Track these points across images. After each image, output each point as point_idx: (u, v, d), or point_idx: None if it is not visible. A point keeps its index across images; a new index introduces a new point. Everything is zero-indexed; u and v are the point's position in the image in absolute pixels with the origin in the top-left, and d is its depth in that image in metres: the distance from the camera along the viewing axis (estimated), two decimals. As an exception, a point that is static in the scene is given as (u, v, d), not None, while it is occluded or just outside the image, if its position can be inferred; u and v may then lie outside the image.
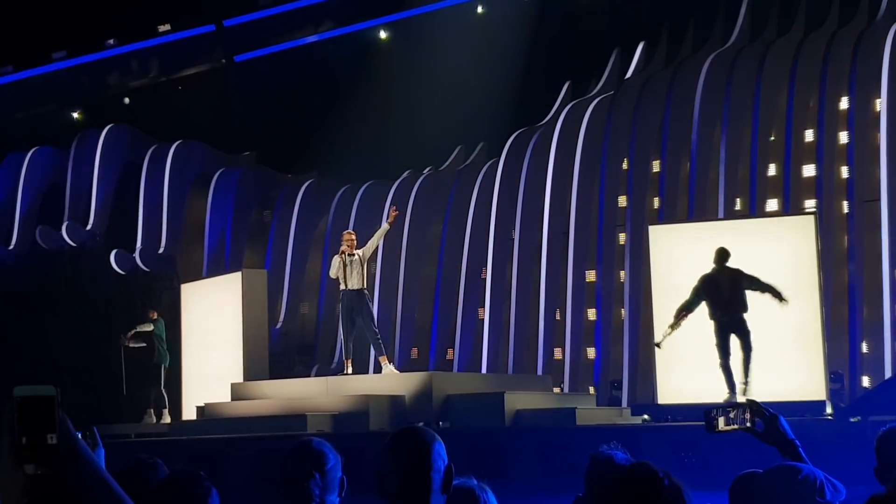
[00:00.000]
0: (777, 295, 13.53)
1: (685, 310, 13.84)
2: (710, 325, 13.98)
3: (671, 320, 13.98)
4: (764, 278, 13.69)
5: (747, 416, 3.81)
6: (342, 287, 14.84)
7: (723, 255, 13.90)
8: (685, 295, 14.05)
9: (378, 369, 16.25)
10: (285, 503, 3.80)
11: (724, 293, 13.67)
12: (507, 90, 23.14)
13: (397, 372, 15.44)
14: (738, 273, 13.76)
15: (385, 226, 15.27)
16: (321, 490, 3.75)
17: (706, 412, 3.89)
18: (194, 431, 15.41)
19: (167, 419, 18.50)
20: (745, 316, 13.70)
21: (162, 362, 19.12)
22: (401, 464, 3.14)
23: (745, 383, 13.59)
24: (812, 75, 19.90)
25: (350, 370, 15.26)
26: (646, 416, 15.28)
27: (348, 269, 14.72)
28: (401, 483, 3.13)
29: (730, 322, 13.70)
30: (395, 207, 16.16)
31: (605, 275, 20.97)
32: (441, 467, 3.15)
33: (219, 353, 18.26)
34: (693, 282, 13.99)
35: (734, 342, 13.74)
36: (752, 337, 13.69)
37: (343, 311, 15.00)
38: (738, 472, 4.34)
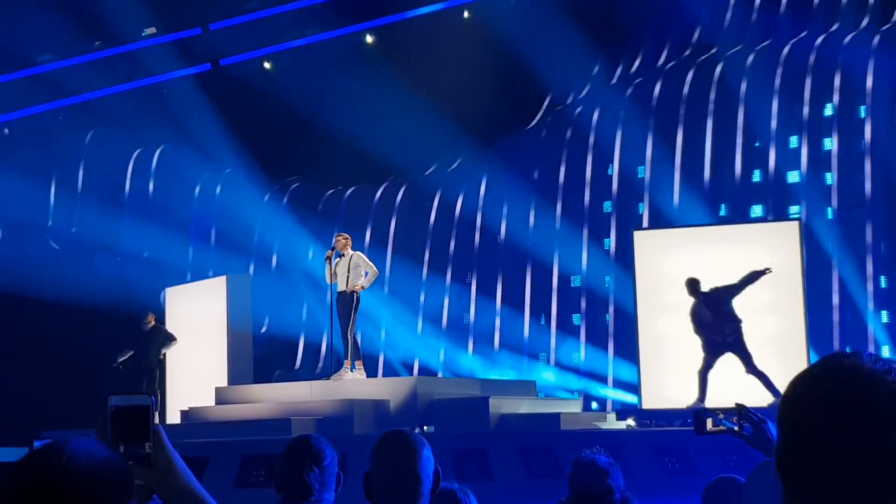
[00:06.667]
0: (758, 274, 13.63)
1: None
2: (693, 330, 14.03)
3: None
4: (733, 279, 13.78)
5: (735, 419, 3.84)
6: (340, 289, 14.94)
7: (691, 284, 13.98)
8: (674, 304, 14.13)
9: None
10: (282, 498, 3.82)
11: (707, 318, 13.75)
12: (493, 95, 23.14)
13: (348, 378, 15.11)
14: (711, 293, 13.84)
15: (376, 271, 15.26)
16: (320, 485, 3.78)
17: (695, 413, 3.94)
18: (178, 435, 15.35)
19: None
20: (742, 328, 13.73)
21: (153, 366, 18.92)
22: (390, 467, 3.16)
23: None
24: (797, 82, 19.96)
25: (358, 370, 15.14)
26: (630, 422, 15.29)
27: (339, 269, 14.79)
28: (389, 486, 3.14)
29: (724, 343, 13.75)
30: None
31: (591, 280, 20.98)
32: (429, 471, 3.17)
33: (203, 356, 18.20)
34: (680, 294, 14.07)
35: (730, 358, 13.77)
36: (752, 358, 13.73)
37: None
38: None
